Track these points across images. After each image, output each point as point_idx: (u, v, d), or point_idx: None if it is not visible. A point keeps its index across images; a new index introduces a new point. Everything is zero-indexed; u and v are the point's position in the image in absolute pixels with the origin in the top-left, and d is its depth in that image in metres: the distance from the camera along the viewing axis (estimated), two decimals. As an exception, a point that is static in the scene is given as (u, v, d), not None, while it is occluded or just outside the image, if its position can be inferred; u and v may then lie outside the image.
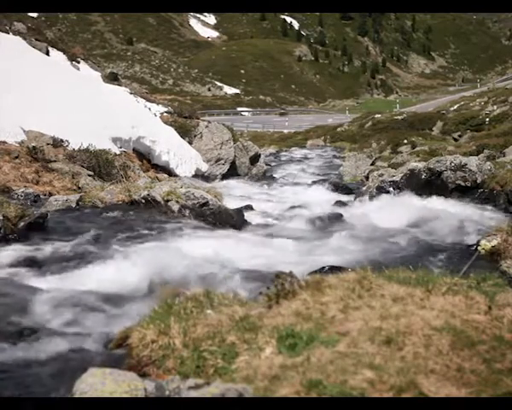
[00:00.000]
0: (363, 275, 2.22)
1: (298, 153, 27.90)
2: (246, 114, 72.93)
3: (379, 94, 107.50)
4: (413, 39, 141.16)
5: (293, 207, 7.69)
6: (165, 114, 15.64)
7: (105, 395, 1.41)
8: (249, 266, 4.21)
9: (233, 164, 15.35)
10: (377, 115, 36.19)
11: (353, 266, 3.09)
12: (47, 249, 4.46)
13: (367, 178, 12.43)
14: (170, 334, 1.96)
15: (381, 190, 7.86)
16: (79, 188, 8.27)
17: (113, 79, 18.45)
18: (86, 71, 16.88)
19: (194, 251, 4.41)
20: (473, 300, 2.00)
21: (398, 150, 21.46)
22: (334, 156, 25.34)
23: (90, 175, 8.93)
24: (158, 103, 17.11)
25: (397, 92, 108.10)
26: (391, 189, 7.79)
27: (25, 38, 14.94)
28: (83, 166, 9.17)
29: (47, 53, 15.43)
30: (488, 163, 7.49)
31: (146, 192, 6.29)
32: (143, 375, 1.77)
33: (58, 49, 16.59)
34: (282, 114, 67.98)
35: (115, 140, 11.72)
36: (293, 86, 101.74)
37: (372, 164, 18.36)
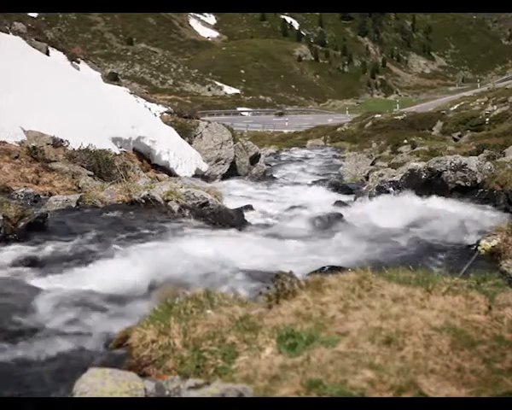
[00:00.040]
0: (363, 275, 2.22)
1: (298, 153, 27.89)
2: (246, 114, 72.92)
3: (379, 94, 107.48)
4: (413, 39, 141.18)
5: (293, 207, 7.68)
6: (165, 114, 15.64)
7: (105, 395, 1.41)
8: (249, 266, 4.21)
9: (233, 164, 15.36)
10: (377, 115, 36.19)
11: (353, 266, 3.09)
12: (47, 249, 4.47)
13: (367, 178, 12.43)
14: (170, 334, 1.96)
15: (381, 190, 7.86)
16: (79, 188, 8.28)
17: (113, 79, 18.45)
18: (86, 71, 16.88)
19: (195, 251, 4.41)
20: (473, 300, 2.00)
21: (398, 150, 21.46)
22: (334, 156, 25.34)
23: (90, 175, 8.93)
24: (158, 103, 17.11)
25: (397, 92, 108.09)
26: (391, 189, 7.79)
27: (25, 38, 14.94)
28: (83, 166, 9.17)
29: (47, 53, 15.43)
30: (488, 163, 7.49)
31: (146, 192, 6.30)
32: (143, 375, 1.77)
33: (58, 49, 16.59)
34: (279, 114, 68.05)
35: (115, 140, 11.72)
36: (293, 86, 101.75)
37: (372, 164, 18.37)
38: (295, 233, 5.85)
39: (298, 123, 53.57)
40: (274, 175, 16.82)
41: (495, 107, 27.90)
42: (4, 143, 8.73)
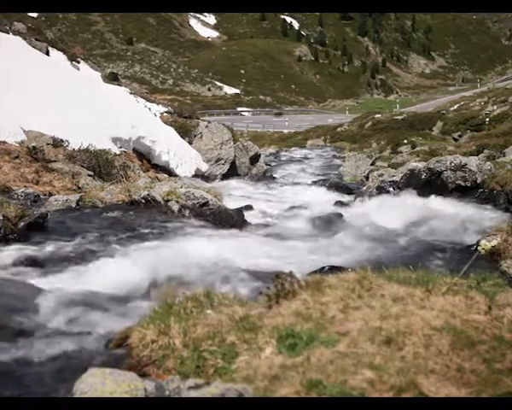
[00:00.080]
0: (363, 275, 2.22)
1: (298, 153, 27.89)
2: (246, 114, 72.93)
3: (379, 94, 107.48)
4: (413, 39, 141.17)
5: (293, 207, 7.69)
6: (165, 114, 15.64)
7: (105, 395, 1.41)
8: (249, 266, 4.21)
9: (233, 164, 15.36)
10: (377, 115, 36.20)
11: (353, 266, 3.09)
12: (47, 249, 4.47)
13: (367, 178, 12.43)
14: (170, 334, 1.96)
15: (381, 190, 7.86)
16: (79, 188, 8.28)
17: (113, 79, 18.45)
18: (86, 71, 16.88)
19: (195, 251, 4.41)
20: (473, 300, 2.00)
21: (398, 150, 21.46)
22: (334, 156, 25.33)
23: (90, 175, 8.93)
24: (158, 103, 17.11)
25: (397, 92, 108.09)
26: (391, 189, 7.79)
27: (25, 38, 14.94)
28: (83, 166, 9.17)
29: (47, 53, 15.43)
30: (488, 163, 7.49)
31: (146, 192, 6.30)
32: (143, 375, 1.77)
33: (58, 49, 16.59)
34: (277, 114, 68.18)
35: (115, 140, 11.73)
36: (293, 86, 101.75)
37: (372, 164, 18.36)
38: (295, 233, 5.85)
39: (298, 123, 53.57)
40: (274, 175, 16.82)
41: (495, 107, 27.90)
42: (4, 143, 8.73)
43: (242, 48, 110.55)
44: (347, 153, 23.92)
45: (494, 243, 4.42)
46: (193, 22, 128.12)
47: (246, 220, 6.44)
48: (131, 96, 15.78)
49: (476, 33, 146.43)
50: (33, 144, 8.82)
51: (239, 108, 78.59)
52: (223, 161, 15.04)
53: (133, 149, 12.44)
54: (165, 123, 14.60)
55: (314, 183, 12.80)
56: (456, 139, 24.48)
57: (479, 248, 4.52)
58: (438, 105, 53.02)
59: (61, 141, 9.67)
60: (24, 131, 9.39)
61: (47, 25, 70.95)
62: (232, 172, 15.12)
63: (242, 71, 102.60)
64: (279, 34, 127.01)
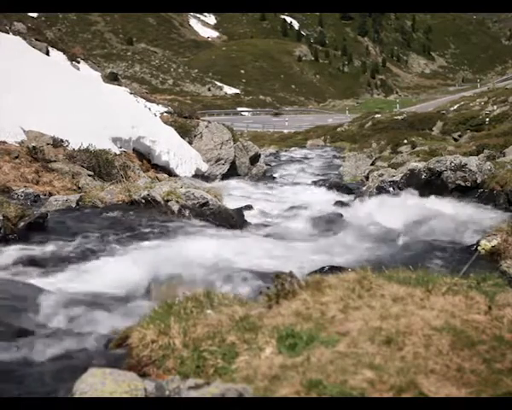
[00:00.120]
0: (363, 275, 2.22)
1: (298, 153, 27.89)
2: (246, 114, 72.94)
3: (379, 94, 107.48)
4: (413, 39, 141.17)
5: (293, 208, 7.69)
6: (165, 114, 15.64)
7: (105, 395, 1.41)
8: (249, 266, 4.21)
9: (233, 164, 15.36)
10: (377, 115, 36.21)
11: (353, 266, 3.10)
12: (47, 249, 4.46)
13: (367, 178, 12.44)
14: (170, 334, 1.96)
15: (381, 190, 7.86)
16: (79, 188, 8.28)
17: (113, 79, 18.45)
18: (86, 71, 16.88)
19: (194, 251, 4.41)
20: (473, 300, 1.99)
21: (398, 150, 21.46)
22: (334, 156, 25.33)
23: (90, 175, 8.94)
24: (158, 103, 17.12)
25: (397, 92, 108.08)
26: (391, 189, 7.80)
27: (25, 38, 14.94)
28: (83, 166, 9.17)
29: (47, 53, 15.43)
30: (488, 163, 7.49)
31: (146, 192, 6.30)
32: (143, 375, 1.77)
33: (58, 49, 16.59)
34: (276, 115, 68.31)
35: (115, 140, 11.73)
36: (293, 86, 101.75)
37: (372, 164, 18.37)
38: (295, 233, 5.85)
39: (298, 123, 53.57)
40: (274, 175, 16.83)
41: (495, 107, 27.90)
42: (4, 143, 8.73)
43: (242, 48, 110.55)
44: (347, 153, 23.93)
45: (494, 243, 4.42)
46: (193, 22, 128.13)
47: (246, 220, 6.44)
48: (131, 96, 15.79)
49: (476, 33, 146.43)
50: (33, 144, 8.82)
51: (239, 108, 78.59)
52: (223, 161, 15.04)
53: (133, 149, 12.44)
54: (165, 123, 14.61)
55: (314, 183, 12.80)
56: (456, 139, 24.49)
57: (479, 248, 4.52)
58: (438, 105, 53.03)
59: (61, 141, 9.68)
60: (24, 131, 9.39)
61: (47, 25, 70.95)
62: (232, 172, 15.12)
63: (242, 71, 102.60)
64: (279, 34, 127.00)
